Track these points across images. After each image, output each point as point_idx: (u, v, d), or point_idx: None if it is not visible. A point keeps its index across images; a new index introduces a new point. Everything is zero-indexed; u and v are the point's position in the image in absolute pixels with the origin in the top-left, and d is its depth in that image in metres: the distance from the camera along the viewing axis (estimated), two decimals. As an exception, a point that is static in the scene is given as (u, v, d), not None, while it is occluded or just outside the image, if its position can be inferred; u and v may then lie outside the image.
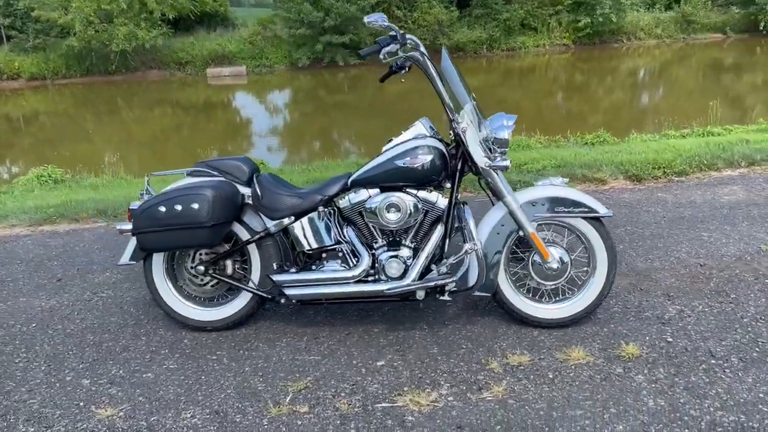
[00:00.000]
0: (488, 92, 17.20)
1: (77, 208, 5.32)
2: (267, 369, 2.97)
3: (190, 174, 3.26)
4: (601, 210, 3.08)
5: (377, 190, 3.11)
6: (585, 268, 3.21)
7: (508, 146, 2.99)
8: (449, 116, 3.06)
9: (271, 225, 3.16)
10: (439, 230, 3.11)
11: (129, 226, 3.16)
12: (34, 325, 3.47)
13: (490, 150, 3.01)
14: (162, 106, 19.44)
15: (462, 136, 3.02)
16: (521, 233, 3.10)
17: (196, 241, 3.05)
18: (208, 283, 3.32)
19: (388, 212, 3.04)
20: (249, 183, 3.23)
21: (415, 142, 3.07)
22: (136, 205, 3.25)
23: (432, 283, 3.04)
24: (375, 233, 3.17)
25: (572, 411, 2.58)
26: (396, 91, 21.91)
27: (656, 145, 6.98)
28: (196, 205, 2.97)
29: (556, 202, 3.09)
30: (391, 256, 3.11)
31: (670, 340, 3.06)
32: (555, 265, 3.10)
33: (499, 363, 2.93)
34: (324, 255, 3.20)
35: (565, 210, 3.08)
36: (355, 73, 23.03)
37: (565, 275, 3.16)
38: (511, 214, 3.07)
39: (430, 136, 3.10)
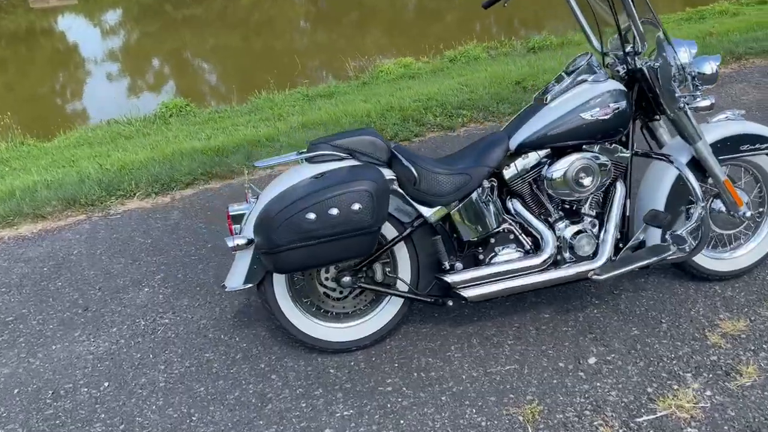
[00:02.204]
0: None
1: (31, 200, 4.06)
2: (467, 394, 2.38)
3: (310, 160, 2.45)
4: None
5: (547, 152, 2.54)
6: (760, 209, 2.88)
7: (715, 82, 2.50)
8: (634, 48, 2.52)
9: (429, 213, 2.49)
10: (621, 190, 2.62)
11: (243, 241, 2.35)
12: (106, 385, 2.56)
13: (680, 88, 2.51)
14: (-25, 40, 16.50)
15: (651, 73, 2.50)
16: (710, 181, 2.69)
17: (357, 251, 2.32)
18: (348, 295, 2.60)
19: (579, 178, 2.47)
20: (388, 163, 2.50)
21: (594, 87, 2.50)
22: (238, 208, 2.44)
23: (659, 257, 2.55)
24: (546, 205, 2.60)
25: None
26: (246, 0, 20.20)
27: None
28: (357, 206, 2.23)
29: (740, 140, 2.69)
30: (577, 231, 2.57)
31: None
32: (749, 213, 2.72)
33: (718, 335, 2.57)
34: (492, 240, 2.59)
35: (751, 147, 2.69)
36: (200, -18, 20.85)
37: (747, 221, 2.81)
38: (701, 161, 2.63)
39: (608, 78, 2.54)
